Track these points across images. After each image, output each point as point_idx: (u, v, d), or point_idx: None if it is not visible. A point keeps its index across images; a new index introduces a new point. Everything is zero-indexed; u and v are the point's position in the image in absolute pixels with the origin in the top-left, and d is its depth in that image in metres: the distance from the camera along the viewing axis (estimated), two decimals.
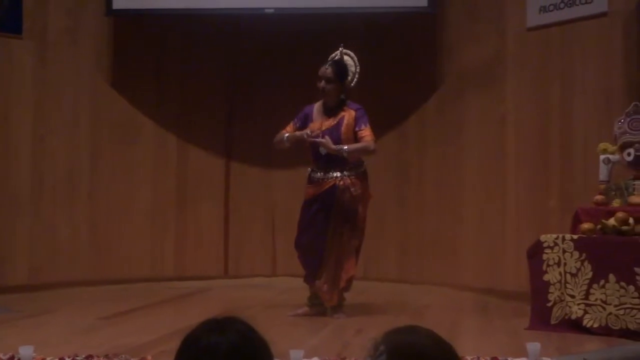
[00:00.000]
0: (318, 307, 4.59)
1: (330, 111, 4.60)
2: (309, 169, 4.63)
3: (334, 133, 4.54)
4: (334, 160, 4.51)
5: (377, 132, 6.36)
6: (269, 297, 5.47)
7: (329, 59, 4.68)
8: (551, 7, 5.33)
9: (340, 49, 4.73)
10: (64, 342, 3.71)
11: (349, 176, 4.50)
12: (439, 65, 6.11)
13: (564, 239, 4.11)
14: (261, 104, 6.53)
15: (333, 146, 4.47)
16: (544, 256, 4.15)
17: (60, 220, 5.85)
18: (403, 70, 6.26)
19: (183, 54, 6.37)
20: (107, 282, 5.86)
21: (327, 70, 4.55)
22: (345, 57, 4.71)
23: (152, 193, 6.21)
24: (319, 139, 4.48)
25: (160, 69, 6.31)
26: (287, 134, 4.64)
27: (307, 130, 4.54)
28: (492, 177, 5.65)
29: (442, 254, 5.94)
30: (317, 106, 4.67)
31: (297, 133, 4.60)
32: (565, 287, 4.05)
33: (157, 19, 6.22)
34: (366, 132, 4.53)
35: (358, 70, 4.68)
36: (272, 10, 5.96)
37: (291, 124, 4.68)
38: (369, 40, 6.04)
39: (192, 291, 5.76)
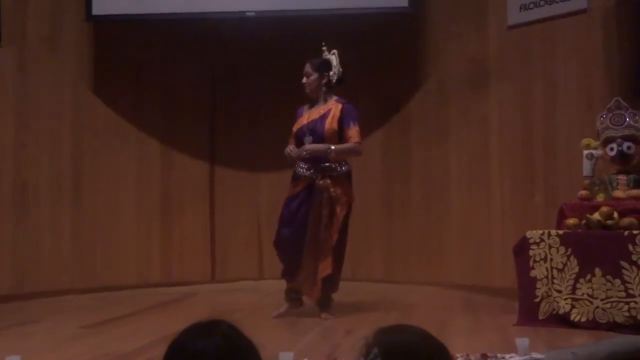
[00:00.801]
0: (297, 301, 4.59)
1: (316, 105, 4.62)
2: (295, 165, 4.62)
3: (318, 125, 4.54)
4: (317, 159, 4.50)
5: (362, 133, 6.40)
6: (256, 300, 5.43)
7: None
8: (531, 5, 5.35)
9: (323, 48, 4.72)
10: (50, 351, 3.66)
11: (330, 176, 4.48)
12: (421, 64, 6.11)
13: (549, 234, 4.12)
14: (245, 107, 6.51)
15: (319, 147, 4.47)
16: (530, 252, 4.15)
17: (44, 229, 5.78)
18: (386, 71, 6.26)
19: (165, 59, 6.33)
20: (93, 290, 5.81)
21: (305, 66, 4.63)
22: (329, 56, 4.70)
23: (136, 199, 6.16)
24: (305, 151, 4.47)
25: (142, 75, 6.26)
26: (286, 152, 4.62)
27: (291, 146, 4.57)
28: (476, 175, 5.66)
29: (428, 253, 5.94)
30: (307, 105, 4.71)
31: (288, 150, 4.58)
32: (552, 283, 4.06)
33: (137, 24, 6.17)
34: (353, 132, 4.52)
35: (340, 69, 4.65)
36: (253, 14, 5.94)
37: (291, 134, 4.69)
38: (351, 41, 6.02)
39: (179, 297, 5.71)
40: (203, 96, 6.50)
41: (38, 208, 5.77)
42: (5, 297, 5.43)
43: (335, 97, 4.64)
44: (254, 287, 6.14)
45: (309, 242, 4.49)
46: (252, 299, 5.48)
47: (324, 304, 4.56)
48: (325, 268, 4.47)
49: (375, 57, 6.28)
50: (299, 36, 6.00)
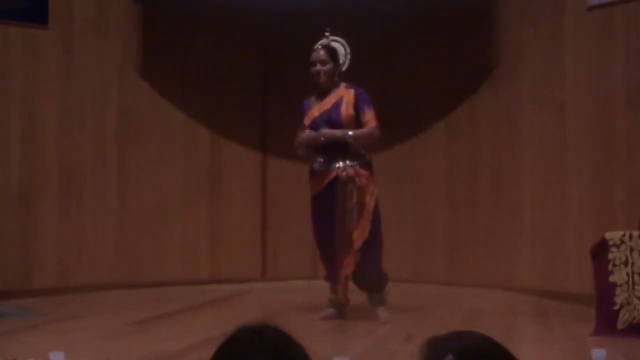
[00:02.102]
0: (342, 308, 4.62)
1: (326, 95, 4.64)
2: (313, 161, 4.64)
3: (334, 114, 4.56)
4: (336, 149, 4.51)
5: (424, 122, 6.35)
6: (309, 301, 5.46)
7: (318, 44, 4.73)
8: None
9: (327, 34, 4.73)
10: (94, 349, 3.77)
11: (352, 166, 4.49)
12: (491, 47, 6.04)
13: (631, 236, 4.04)
14: (299, 92, 6.51)
15: (336, 132, 4.49)
16: (610, 255, 4.08)
17: (89, 220, 5.92)
18: (452, 54, 6.21)
19: (214, 42, 6.40)
20: (138, 285, 5.93)
21: (319, 53, 4.64)
22: (334, 44, 4.72)
23: (183, 190, 6.26)
24: (320, 134, 4.51)
25: (191, 58, 6.35)
26: (297, 142, 4.67)
27: (307, 131, 4.59)
28: (551, 168, 5.57)
29: (496, 254, 5.88)
30: (313, 97, 4.73)
31: (302, 136, 4.61)
32: (634, 289, 3.98)
33: (186, 5, 6.26)
34: (370, 117, 4.55)
35: (349, 57, 4.68)
36: None
37: (301, 127, 4.71)
38: (416, 20, 6.00)
39: (228, 295, 5.80)
40: (255, 82, 6.56)
41: (82, 198, 5.90)
42: (48, 290, 5.60)
43: (344, 84, 4.66)
44: (307, 287, 6.18)
45: (339, 240, 4.50)
46: (304, 299, 5.51)
47: (374, 301, 4.58)
48: (347, 265, 4.48)
49: (441, 38, 6.22)
50: (356, 18, 5.99)
